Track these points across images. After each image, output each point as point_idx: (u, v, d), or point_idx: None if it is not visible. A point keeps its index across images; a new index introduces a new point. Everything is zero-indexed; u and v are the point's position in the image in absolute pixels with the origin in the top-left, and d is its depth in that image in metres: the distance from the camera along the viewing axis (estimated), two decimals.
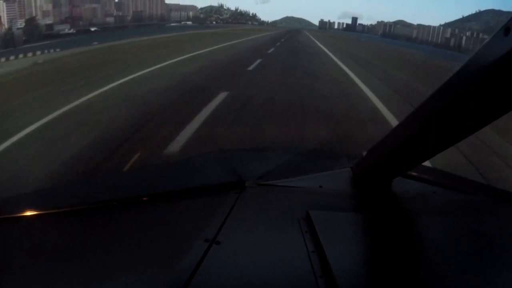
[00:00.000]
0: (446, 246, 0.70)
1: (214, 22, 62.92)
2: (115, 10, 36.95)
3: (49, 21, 25.86)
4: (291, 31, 50.15)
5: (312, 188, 0.89)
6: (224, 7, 78.87)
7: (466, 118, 0.54)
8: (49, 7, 27.63)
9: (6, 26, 17.74)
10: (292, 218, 0.72)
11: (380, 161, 0.80)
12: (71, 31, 24.18)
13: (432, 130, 0.60)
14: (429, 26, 56.48)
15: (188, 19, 51.08)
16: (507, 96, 0.47)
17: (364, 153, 0.87)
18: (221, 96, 5.89)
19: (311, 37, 35.95)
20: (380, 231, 0.73)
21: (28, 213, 0.73)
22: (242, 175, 0.91)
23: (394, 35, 61.99)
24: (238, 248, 0.64)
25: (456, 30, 50.53)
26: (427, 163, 0.87)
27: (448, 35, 50.46)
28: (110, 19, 35.07)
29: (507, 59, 0.42)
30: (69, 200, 0.83)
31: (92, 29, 26.34)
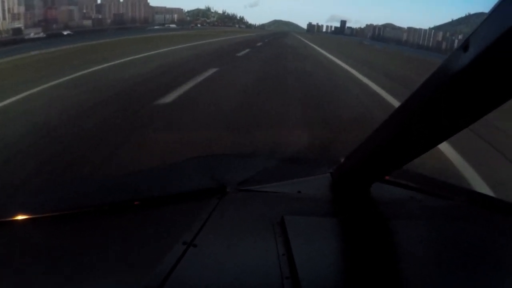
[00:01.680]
0: (418, 251, 0.70)
1: (199, 25, 61.32)
2: (94, 13, 35.03)
3: (18, 24, 23.81)
4: (277, 33, 46.77)
5: (290, 193, 0.90)
6: (212, 10, 77.58)
7: (435, 126, 0.56)
8: (21, 9, 25.62)
9: None
10: (268, 222, 0.74)
11: (358, 167, 0.82)
12: (41, 35, 22.07)
13: (406, 137, 0.62)
14: (420, 29, 55.72)
15: (173, 21, 49.52)
16: (469, 106, 0.51)
17: (343, 159, 0.87)
18: None
19: (304, 40, 29.03)
20: (354, 235, 0.75)
21: (15, 217, 0.75)
22: (223, 181, 0.91)
23: (384, 38, 61.08)
24: (213, 250, 0.66)
25: (448, 33, 49.72)
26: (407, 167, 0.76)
27: (440, 38, 49.56)
28: (88, 22, 33.02)
29: (466, 73, 0.45)
30: (51, 206, 0.85)
31: (65, 32, 24.14)
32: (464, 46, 0.44)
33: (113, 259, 0.64)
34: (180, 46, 13.72)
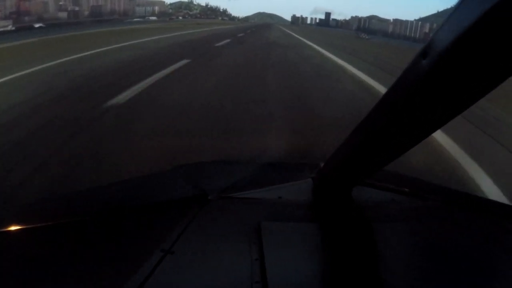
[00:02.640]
0: (398, 254, 0.71)
1: (180, 17, 59.56)
2: (71, 4, 33.24)
3: None
4: (259, 25, 44.02)
5: (271, 199, 0.90)
6: (194, 2, 75.79)
7: (408, 128, 0.56)
8: None
9: None
10: (246, 229, 0.74)
11: (337, 170, 0.82)
12: (9, 28, 20.43)
13: (382, 139, 0.62)
14: (406, 21, 55.28)
15: (153, 14, 47.84)
16: (433, 111, 0.51)
17: (323, 163, 0.87)
18: None
19: (293, 33, 25.16)
20: (331, 239, 0.76)
21: (5, 228, 0.76)
22: (205, 189, 0.91)
23: (370, 30, 60.46)
24: (189, 257, 0.67)
25: (435, 25, 49.31)
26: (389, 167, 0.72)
27: (427, 29, 49.20)
28: (63, 14, 31.26)
29: (425, 80, 0.46)
30: (32, 217, 0.85)
31: (37, 25, 22.61)
32: (423, 54, 0.44)
33: (90, 266, 0.64)
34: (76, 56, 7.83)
